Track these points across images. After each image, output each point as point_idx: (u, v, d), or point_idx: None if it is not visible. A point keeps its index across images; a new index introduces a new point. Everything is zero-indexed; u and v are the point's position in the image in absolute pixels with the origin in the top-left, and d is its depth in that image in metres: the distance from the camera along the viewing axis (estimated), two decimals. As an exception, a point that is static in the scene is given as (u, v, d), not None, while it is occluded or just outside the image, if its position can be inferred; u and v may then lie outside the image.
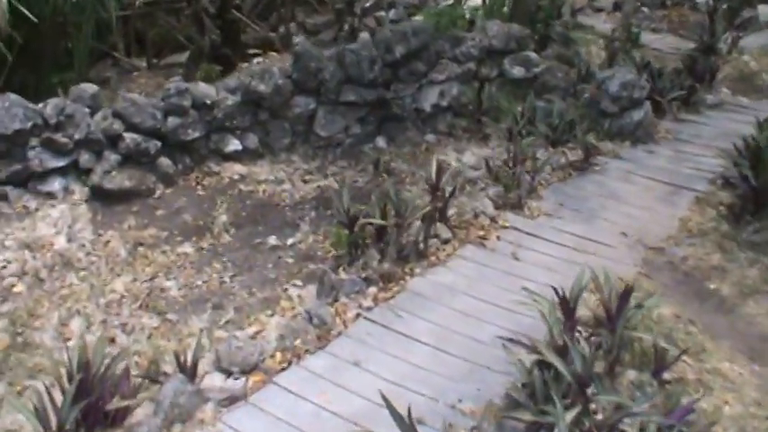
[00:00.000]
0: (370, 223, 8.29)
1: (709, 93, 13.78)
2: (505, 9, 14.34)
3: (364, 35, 11.48)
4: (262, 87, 10.41)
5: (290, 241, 8.92)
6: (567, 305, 6.41)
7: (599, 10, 22.34)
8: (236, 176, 10.19)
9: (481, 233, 8.95)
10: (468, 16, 13.03)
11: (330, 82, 10.81)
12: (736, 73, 15.75)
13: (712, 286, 8.36)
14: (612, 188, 10.40)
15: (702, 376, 6.86)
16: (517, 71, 12.37)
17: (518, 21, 13.47)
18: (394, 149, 11.25)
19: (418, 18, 16.30)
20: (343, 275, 7.96)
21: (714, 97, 13.72)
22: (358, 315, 7.46)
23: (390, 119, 11.52)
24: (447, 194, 8.70)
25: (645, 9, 22.48)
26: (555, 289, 6.64)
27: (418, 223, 8.41)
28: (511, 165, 9.94)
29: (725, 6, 20.05)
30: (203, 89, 10.19)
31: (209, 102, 10.12)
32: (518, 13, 13.71)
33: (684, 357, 6.76)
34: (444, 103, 11.82)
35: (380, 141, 11.38)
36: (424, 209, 8.28)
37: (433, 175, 8.57)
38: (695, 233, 9.26)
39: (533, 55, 12.65)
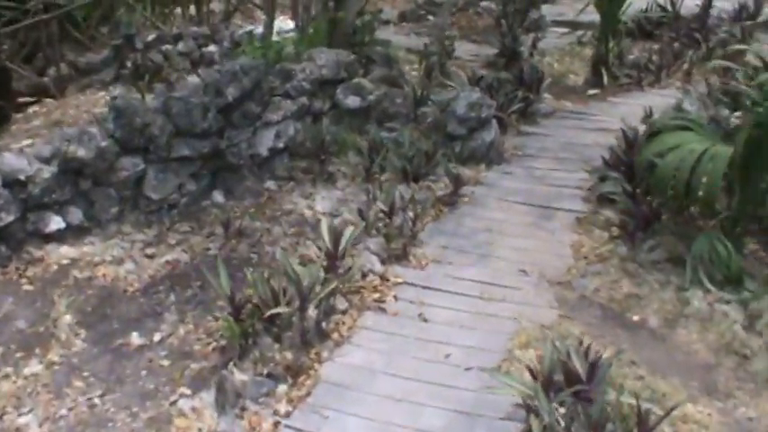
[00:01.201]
0: (258, 306, 7.03)
1: (539, 101, 13.37)
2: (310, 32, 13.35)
3: (192, 79, 10.12)
4: (82, 153, 8.82)
5: (156, 337, 7.45)
6: (549, 383, 5.50)
7: (386, 22, 21.84)
8: (65, 261, 8.53)
9: (376, 296, 7.89)
10: (290, 45, 11.92)
11: (160, 137, 9.36)
12: (545, 76, 15.52)
13: (635, 317, 7.77)
14: (489, 220, 9.67)
15: (678, 427, 6.18)
16: (352, 101, 11.40)
17: (338, 45, 12.52)
18: (234, 203, 9.97)
19: (212, 49, 15.03)
20: (238, 375, 6.63)
21: (546, 105, 13.36)
22: (277, 424, 6.20)
23: (225, 169, 10.20)
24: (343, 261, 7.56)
25: (430, 17, 22.25)
26: (530, 369, 5.72)
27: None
28: (386, 210, 8.94)
29: (512, 9, 20.15)
30: (12, 162, 8.48)
31: (22, 177, 8.42)
32: (337, 37, 12.74)
33: (653, 407, 6.00)
34: (281, 145, 10.65)
35: (218, 196, 10.05)
36: (332, 284, 7.09)
37: (327, 241, 7.41)
38: (594, 260, 8.67)
39: (365, 81, 11.74)
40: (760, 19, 19.78)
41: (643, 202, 8.90)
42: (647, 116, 11.61)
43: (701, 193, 8.00)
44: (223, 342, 7.15)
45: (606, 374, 5.91)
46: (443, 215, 9.74)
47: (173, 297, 8.04)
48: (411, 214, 8.99)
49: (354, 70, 12.11)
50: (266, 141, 10.51)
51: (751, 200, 8.23)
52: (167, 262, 8.67)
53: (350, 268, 7.74)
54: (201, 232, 9.33)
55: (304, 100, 10.99)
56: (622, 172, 9.64)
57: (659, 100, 13.83)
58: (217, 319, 7.46)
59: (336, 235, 7.51)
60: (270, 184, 10.47)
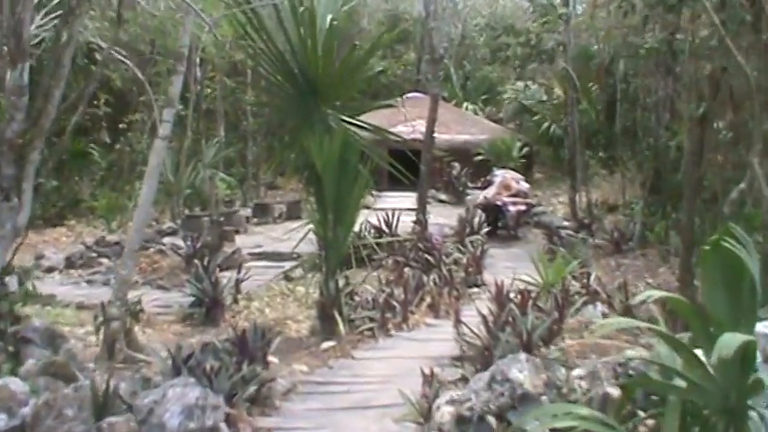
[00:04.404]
0: None
1: (270, 374, 9.62)
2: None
3: None
4: None
5: None
6: None
7: (49, 270, 17.61)
8: None
9: None
10: None
11: None
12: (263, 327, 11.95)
13: None
14: None
15: None
16: (-4, 421, 7.10)
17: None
18: None
19: None
20: None
21: (285, 381, 9.61)
22: None
23: None
24: None
25: (104, 260, 18.33)
26: None
27: None
28: None
29: (199, 245, 16.96)
30: None
31: None
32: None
33: None
34: None
35: None
36: None
37: None
38: None
39: (16, 381, 7.54)
40: (483, 231, 18.02)
41: None
42: (432, 382, 8.38)
43: None
44: None
45: None
46: None
47: None
48: None
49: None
50: None
51: None
52: None
53: None
54: None
55: None
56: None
57: (417, 348, 11.11)
58: None
59: None
60: None
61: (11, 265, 9.21)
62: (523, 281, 12.75)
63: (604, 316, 12.37)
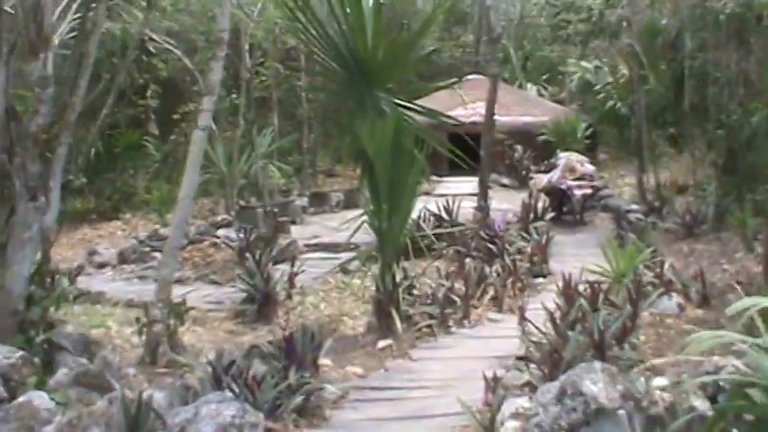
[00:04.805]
0: None
1: (320, 380, 8.89)
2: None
3: None
4: None
5: None
6: None
7: (101, 266, 17.26)
8: None
9: None
10: None
11: None
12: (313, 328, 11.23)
13: None
14: None
15: None
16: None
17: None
18: None
19: None
20: None
21: (332, 387, 8.85)
22: None
23: None
24: None
25: (158, 254, 17.77)
26: None
27: None
28: None
29: (253, 237, 16.36)
30: None
31: None
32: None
33: None
34: None
35: None
36: None
37: None
38: None
39: (43, 398, 6.98)
40: (547, 217, 17.16)
41: None
42: (495, 388, 7.60)
43: None
44: None
45: None
46: None
47: None
48: None
49: (26, 375, 7.42)
50: None
51: None
52: None
53: None
54: None
55: None
56: None
57: (479, 346, 10.42)
58: None
59: None
60: None
61: (42, 268, 8.64)
62: (592, 271, 11.83)
63: (680, 308, 11.52)
